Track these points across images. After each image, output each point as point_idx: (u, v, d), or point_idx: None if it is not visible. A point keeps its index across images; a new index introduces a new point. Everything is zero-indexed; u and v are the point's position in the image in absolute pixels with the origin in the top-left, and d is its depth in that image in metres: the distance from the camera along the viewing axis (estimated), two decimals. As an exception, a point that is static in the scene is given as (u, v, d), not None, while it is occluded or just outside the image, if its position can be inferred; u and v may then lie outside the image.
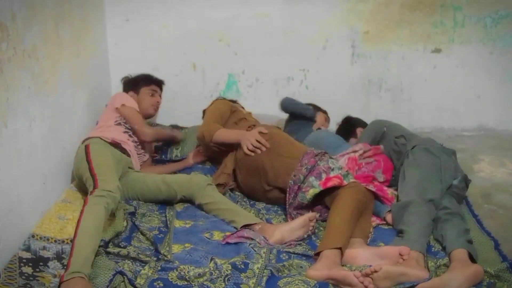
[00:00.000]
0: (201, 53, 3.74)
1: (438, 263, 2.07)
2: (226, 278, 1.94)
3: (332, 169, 2.45)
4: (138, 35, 3.68)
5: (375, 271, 1.90)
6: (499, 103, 3.92)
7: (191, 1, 3.65)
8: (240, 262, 2.02)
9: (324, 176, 2.42)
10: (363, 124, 3.22)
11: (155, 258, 2.08)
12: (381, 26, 3.77)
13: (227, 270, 1.96)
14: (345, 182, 2.39)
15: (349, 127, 3.25)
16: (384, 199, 2.50)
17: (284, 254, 2.16)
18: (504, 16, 3.76)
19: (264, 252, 2.12)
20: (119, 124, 2.88)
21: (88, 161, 2.47)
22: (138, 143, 2.91)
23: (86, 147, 2.58)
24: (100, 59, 3.52)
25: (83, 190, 2.58)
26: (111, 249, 2.10)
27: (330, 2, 3.71)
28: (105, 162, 2.48)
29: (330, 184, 2.38)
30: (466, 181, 2.59)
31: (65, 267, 1.93)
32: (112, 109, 2.94)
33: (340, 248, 2.07)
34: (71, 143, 2.72)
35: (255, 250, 2.12)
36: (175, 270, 1.97)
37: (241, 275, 1.96)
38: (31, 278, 1.91)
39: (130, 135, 2.87)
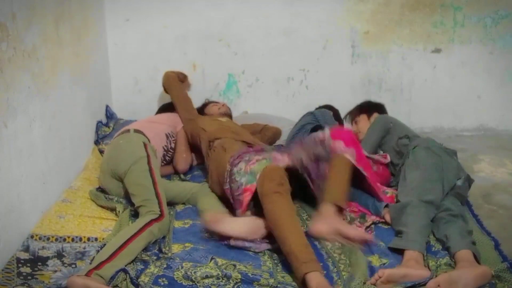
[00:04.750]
0: (201, 53, 3.74)
1: (438, 262, 2.07)
2: (236, 286, 1.91)
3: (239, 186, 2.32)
4: (138, 35, 3.68)
5: (379, 277, 1.91)
6: (499, 103, 3.92)
7: (191, 1, 3.65)
8: (251, 274, 1.97)
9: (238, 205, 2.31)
10: (380, 111, 3.16)
11: (154, 258, 2.09)
12: (381, 26, 3.77)
13: (236, 278, 1.93)
14: (255, 185, 2.25)
15: (371, 107, 3.17)
16: (374, 189, 2.49)
17: None
18: (504, 16, 3.76)
19: (269, 262, 2.11)
20: (167, 137, 2.93)
21: (152, 175, 2.44)
22: (165, 158, 2.94)
23: (145, 147, 2.57)
24: (100, 59, 3.52)
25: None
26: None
27: (330, 2, 3.71)
28: (162, 186, 2.47)
29: (244, 206, 2.27)
30: (469, 181, 2.59)
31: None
32: (173, 121, 3.05)
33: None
34: (71, 143, 2.72)
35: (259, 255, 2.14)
36: (181, 269, 1.96)
37: (254, 283, 1.92)
38: (29, 277, 1.91)
39: (165, 151, 2.90)
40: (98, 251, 2.06)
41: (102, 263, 1.93)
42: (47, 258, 2.05)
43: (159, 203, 2.33)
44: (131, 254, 2.05)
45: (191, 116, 3.10)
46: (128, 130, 2.73)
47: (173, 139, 3.00)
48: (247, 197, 2.28)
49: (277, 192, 2.13)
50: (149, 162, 2.49)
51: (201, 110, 3.34)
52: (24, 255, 2.03)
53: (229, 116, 3.34)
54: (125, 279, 1.90)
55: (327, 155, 2.37)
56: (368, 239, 2.14)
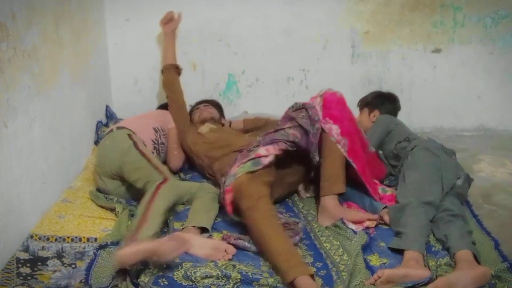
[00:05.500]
0: (201, 53, 3.74)
1: (438, 263, 2.07)
2: (235, 286, 1.91)
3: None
4: (138, 35, 3.68)
5: (378, 277, 1.91)
6: (499, 103, 3.92)
7: (191, 1, 3.65)
8: (251, 273, 1.97)
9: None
10: (385, 109, 3.16)
11: (155, 257, 2.09)
12: (381, 26, 3.77)
13: (236, 278, 1.93)
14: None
15: (375, 103, 3.18)
16: (365, 182, 2.52)
17: None
18: (504, 16, 3.76)
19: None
20: (156, 131, 2.94)
21: (142, 153, 2.52)
22: (159, 153, 2.95)
23: (130, 137, 2.62)
24: (100, 59, 3.52)
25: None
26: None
27: (330, 2, 3.71)
28: (157, 159, 2.58)
29: (229, 209, 2.32)
30: (468, 181, 2.59)
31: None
32: (163, 117, 3.08)
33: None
34: (71, 143, 2.72)
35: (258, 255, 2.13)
36: (181, 269, 1.96)
37: (253, 283, 1.92)
38: (28, 278, 1.91)
39: (156, 144, 2.90)
40: (95, 251, 2.05)
41: (138, 228, 2.03)
42: (47, 258, 2.05)
43: (159, 172, 2.40)
44: (158, 215, 2.16)
45: (184, 128, 3.10)
46: (112, 130, 2.76)
47: (163, 133, 3.00)
48: (228, 199, 2.30)
49: (253, 207, 2.16)
50: (137, 148, 2.55)
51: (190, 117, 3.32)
52: (24, 255, 2.03)
53: (213, 119, 3.23)
54: (125, 279, 1.90)
55: (311, 127, 2.43)
56: (369, 219, 2.37)
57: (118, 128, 2.74)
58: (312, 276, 1.94)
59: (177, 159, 3.02)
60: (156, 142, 2.89)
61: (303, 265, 1.99)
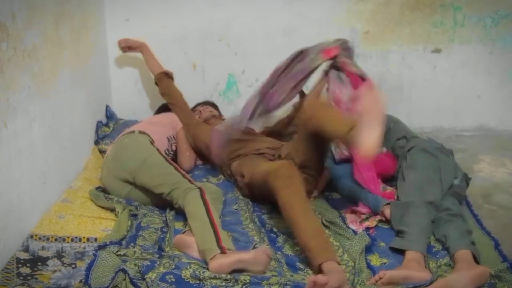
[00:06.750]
0: (201, 53, 3.74)
1: (439, 263, 2.07)
2: (244, 286, 1.90)
3: None
4: (138, 35, 3.67)
5: (380, 278, 1.91)
6: (499, 103, 3.92)
7: (191, 1, 3.65)
8: (260, 275, 1.97)
9: None
10: None
11: (157, 255, 2.08)
12: (381, 26, 3.77)
13: (244, 280, 1.92)
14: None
15: None
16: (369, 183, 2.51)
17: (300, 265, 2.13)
18: (504, 16, 3.76)
19: (273, 262, 2.10)
20: (168, 140, 2.98)
21: (169, 163, 2.55)
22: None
23: (152, 144, 2.66)
24: (100, 59, 3.52)
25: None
26: (117, 250, 2.09)
27: (330, 2, 3.71)
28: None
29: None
30: (466, 180, 2.59)
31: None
32: (173, 122, 3.12)
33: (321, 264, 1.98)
34: (71, 143, 2.72)
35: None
36: (189, 269, 1.96)
37: (262, 282, 1.91)
38: (28, 278, 1.91)
39: (167, 154, 2.90)
40: (95, 252, 2.05)
41: (219, 241, 2.07)
42: (47, 258, 2.05)
43: (189, 181, 2.43)
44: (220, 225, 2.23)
45: (190, 123, 3.14)
46: (133, 131, 2.76)
47: (174, 141, 3.04)
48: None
49: (286, 188, 2.19)
50: (161, 154, 2.60)
51: None
52: (24, 255, 2.03)
53: (214, 116, 3.33)
54: (125, 279, 1.90)
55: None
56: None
57: (140, 132, 2.75)
58: (338, 263, 2.00)
59: (189, 160, 3.07)
60: (167, 152, 2.93)
61: (332, 250, 2.07)
